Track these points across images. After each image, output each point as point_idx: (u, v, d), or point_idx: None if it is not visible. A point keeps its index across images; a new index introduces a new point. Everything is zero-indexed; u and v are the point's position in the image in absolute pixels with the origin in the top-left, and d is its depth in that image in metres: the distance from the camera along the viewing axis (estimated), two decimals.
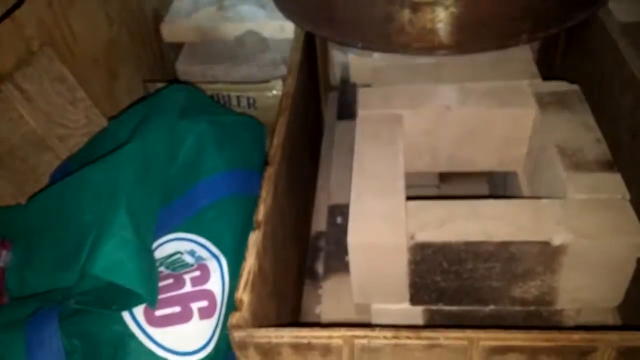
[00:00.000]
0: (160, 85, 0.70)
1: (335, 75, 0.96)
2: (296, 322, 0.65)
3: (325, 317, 0.63)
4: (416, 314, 0.53)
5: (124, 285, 0.40)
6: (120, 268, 0.40)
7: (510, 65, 0.64)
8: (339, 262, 0.65)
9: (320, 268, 0.70)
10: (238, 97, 0.72)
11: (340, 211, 0.68)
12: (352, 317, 0.61)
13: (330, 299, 0.64)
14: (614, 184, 0.49)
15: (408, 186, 0.52)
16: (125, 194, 0.43)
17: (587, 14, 0.66)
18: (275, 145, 0.56)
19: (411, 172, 0.65)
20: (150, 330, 0.42)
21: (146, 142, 0.47)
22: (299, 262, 0.67)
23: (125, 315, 0.42)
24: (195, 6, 0.80)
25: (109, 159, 0.47)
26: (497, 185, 0.75)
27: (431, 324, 0.54)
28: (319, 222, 0.76)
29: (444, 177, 0.83)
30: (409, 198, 0.51)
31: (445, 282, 0.49)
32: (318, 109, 0.90)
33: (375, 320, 0.54)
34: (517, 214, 0.48)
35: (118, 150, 0.47)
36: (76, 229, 0.45)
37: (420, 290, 0.50)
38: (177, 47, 0.86)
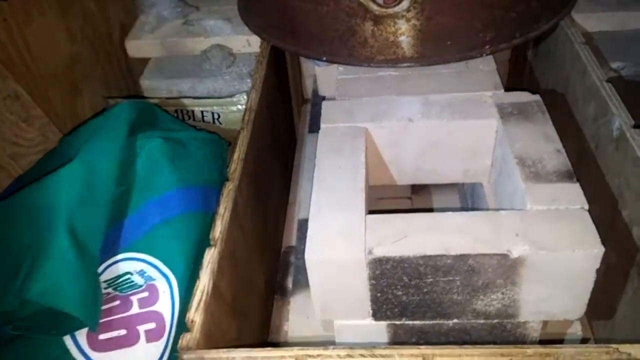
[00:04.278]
0: (121, 101, 0.69)
1: (308, 88, 0.97)
2: (264, 340, 0.64)
3: (293, 334, 0.62)
4: (380, 329, 0.52)
5: (61, 309, 0.39)
6: (56, 291, 0.39)
7: (474, 77, 0.63)
8: (307, 277, 0.64)
9: (290, 284, 0.69)
10: (202, 112, 0.72)
11: None
12: (319, 333, 0.60)
13: (298, 315, 0.63)
14: (573, 195, 0.49)
15: (380, 198, 0.52)
16: (65, 215, 0.42)
17: (550, 24, 0.66)
18: (235, 160, 0.55)
19: (380, 185, 0.64)
20: (94, 355, 0.40)
21: (90, 161, 0.46)
22: (266, 278, 0.66)
23: (67, 339, 0.40)
24: (160, 21, 0.80)
25: (49, 179, 0.45)
26: (466, 197, 0.75)
27: (395, 340, 0.53)
28: (290, 237, 0.75)
29: (416, 189, 0.83)
30: (377, 211, 0.50)
31: (407, 297, 0.49)
32: (290, 122, 0.90)
33: (338, 336, 0.53)
34: (476, 226, 0.47)
35: (59, 169, 0.46)
36: (13, 252, 0.43)
37: (382, 305, 0.49)
38: (145, 62, 0.85)
